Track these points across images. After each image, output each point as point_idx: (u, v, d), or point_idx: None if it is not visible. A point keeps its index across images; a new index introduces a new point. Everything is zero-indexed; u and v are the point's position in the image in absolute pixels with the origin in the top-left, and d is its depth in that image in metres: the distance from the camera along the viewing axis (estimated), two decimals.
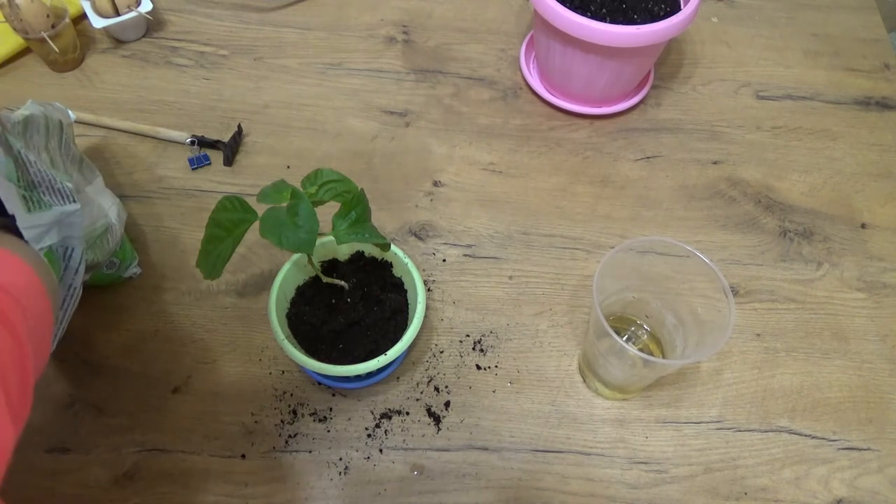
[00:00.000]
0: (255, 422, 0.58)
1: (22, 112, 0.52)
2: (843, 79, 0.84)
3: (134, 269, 0.64)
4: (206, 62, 0.80)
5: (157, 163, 0.72)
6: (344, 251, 0.61)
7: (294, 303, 0.59)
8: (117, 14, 0.77)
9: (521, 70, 0.82)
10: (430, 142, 0.76)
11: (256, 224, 0.48)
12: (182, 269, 0.65)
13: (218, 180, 0.71)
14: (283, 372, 0.60)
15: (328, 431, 0.58)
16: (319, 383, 0.60)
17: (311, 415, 0.58)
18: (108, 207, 0.59)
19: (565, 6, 0.66)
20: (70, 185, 0.49)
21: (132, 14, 0.77)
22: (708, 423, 0.60)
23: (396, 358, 0.57)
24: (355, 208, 0.51)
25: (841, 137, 0.79)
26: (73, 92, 0.77)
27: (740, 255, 0.69)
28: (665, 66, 0.84)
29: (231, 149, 0.72)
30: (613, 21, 0.68)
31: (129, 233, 0.65)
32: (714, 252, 0.69)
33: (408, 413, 0.59)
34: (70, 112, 0.66)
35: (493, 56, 0.83)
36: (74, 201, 0.48)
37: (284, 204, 0.48)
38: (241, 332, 0.62)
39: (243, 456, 0.57)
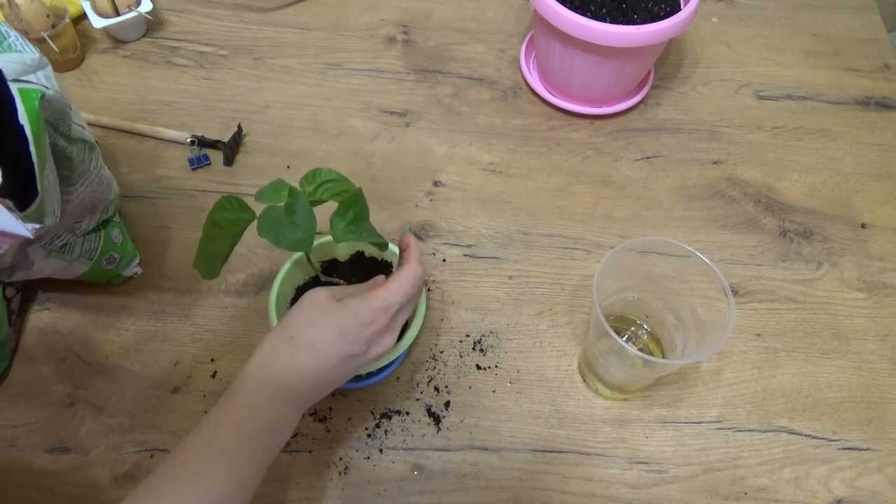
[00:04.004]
0: None
1: None
2: (843, 79, 0.84)
3: (135, 269, 0.64)
4: (206, 62, 0.80)
5: (157, 163, 0.72)
6: (343, 251, 0.61)
7: (294, 303, 0.59)
8: (117, 14, 0.77)
9: (521, 70, 0.82)
10: (430, 142, 0.76)
11: (256, 224, 0.48)
12: (182, 269, 0.65)
13: (218, 180, 0.71)
14: None
15: (328, 431, 0.58)
16: None
17: (311, 415, 0.58)
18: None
19: (565, 6, 0.66)
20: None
21: (132, 14, 0.77)
22: (708, 423, 0.60)
23: (396, 358, 0.58)
24: (353, 207, 0.51)
25: (841, 137, 0.79)
26: (73, 92, 0.76)
27: (740, 255, 0.69)
28: (665, 66, 0.84)
29: (231, 149, 0.72)
30: (613, 21, 0.68)
31: (129, 232, 0.65)
32: (714, 252, 0.69)
33: (408, 413, 0.59)
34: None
35: (493, 56, 0.83)
36: (37, 55, 0.49)
37: (282, 203, 0.48)
38: (241, 332, 0.62)
39: None
